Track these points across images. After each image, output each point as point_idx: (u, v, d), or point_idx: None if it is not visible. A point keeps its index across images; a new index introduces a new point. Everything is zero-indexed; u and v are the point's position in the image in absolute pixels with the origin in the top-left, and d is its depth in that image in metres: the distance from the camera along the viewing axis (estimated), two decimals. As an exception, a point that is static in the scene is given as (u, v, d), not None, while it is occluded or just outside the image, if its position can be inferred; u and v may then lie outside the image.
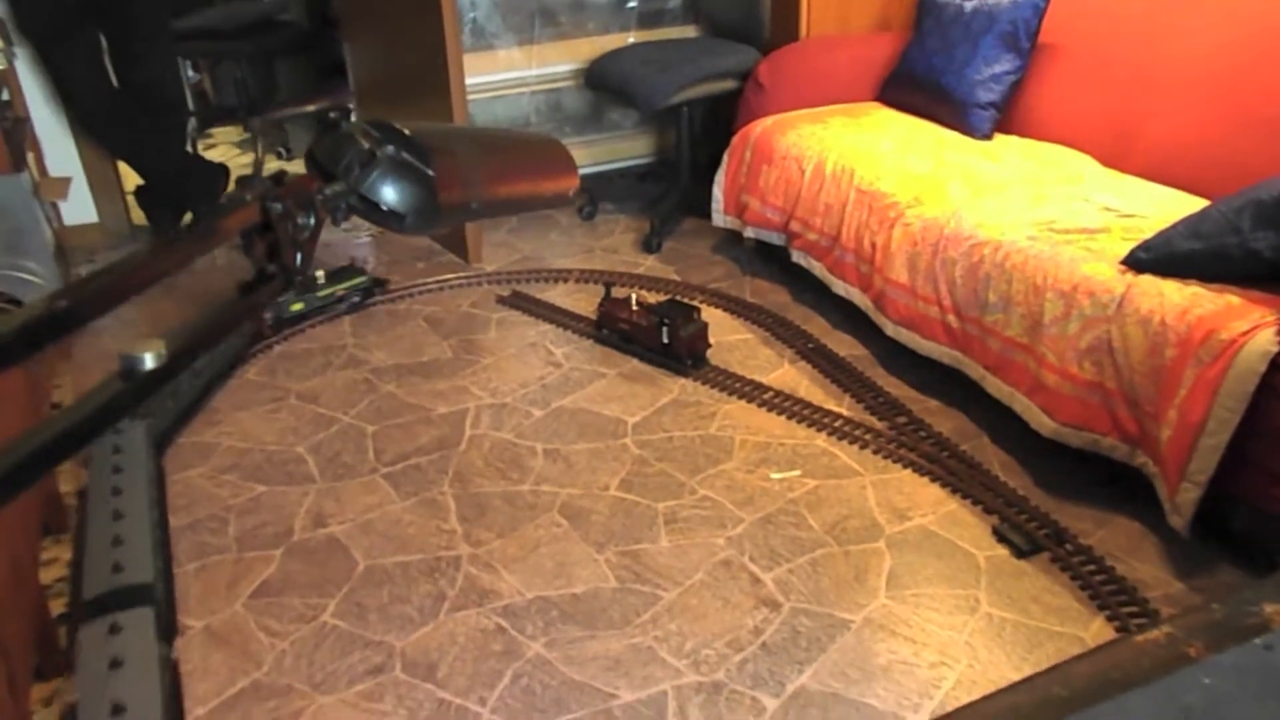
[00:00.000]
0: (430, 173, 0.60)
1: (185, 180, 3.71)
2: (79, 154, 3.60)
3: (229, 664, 1.91)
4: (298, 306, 3.35)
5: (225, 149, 5.17)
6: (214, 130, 5.26)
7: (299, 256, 0.55)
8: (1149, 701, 0.60)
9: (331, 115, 0.59)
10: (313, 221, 0.55)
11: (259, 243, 0.54)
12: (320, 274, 3.40)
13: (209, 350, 0.50)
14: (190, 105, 4.68)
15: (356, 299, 3.36)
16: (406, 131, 0.59)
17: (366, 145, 0.58)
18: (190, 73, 5.07)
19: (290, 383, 2.87)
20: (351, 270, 3.41)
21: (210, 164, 3.95)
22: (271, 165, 4.87)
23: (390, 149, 0.59)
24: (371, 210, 0.59)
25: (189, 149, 4.25)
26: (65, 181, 3.26)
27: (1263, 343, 1.79)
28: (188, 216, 3.80)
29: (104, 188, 3.68)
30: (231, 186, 3.87)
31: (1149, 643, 0.68)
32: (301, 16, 5.20)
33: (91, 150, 3.61)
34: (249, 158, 4.89)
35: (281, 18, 5.06)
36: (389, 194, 0.59)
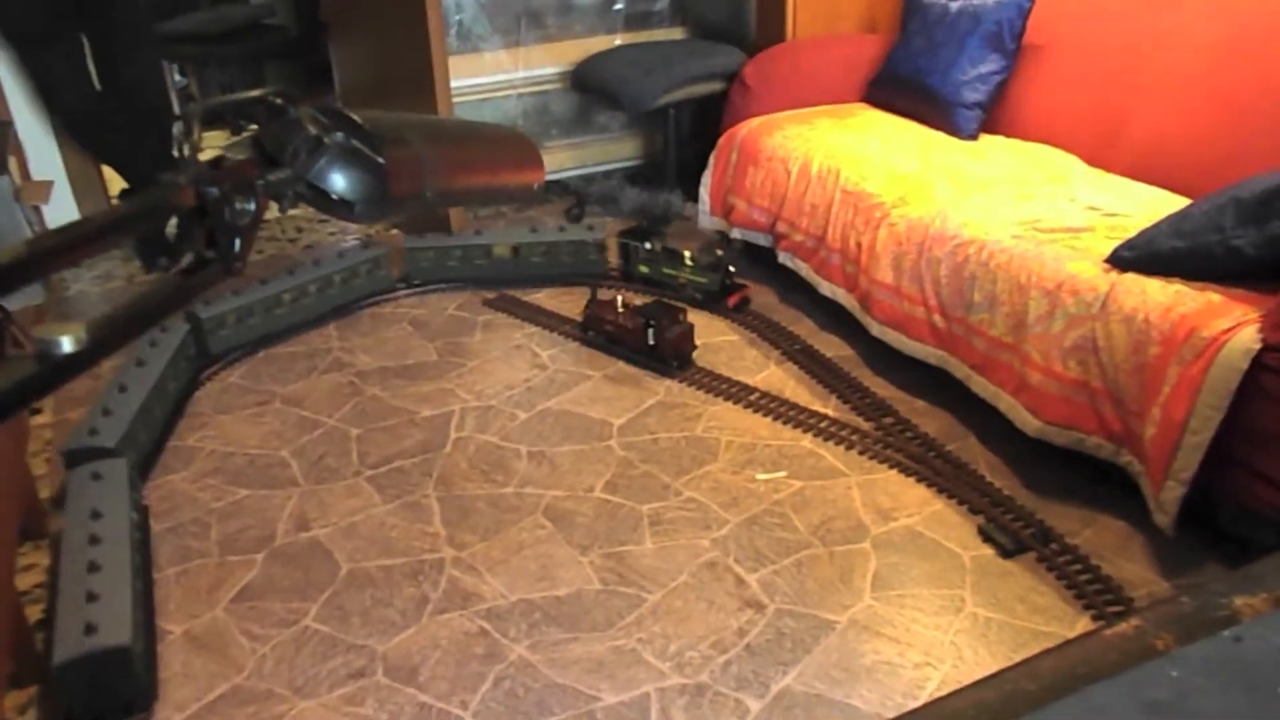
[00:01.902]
0: (381, 161, 0.59)
1: (170, 184, 3.69)
2: (62, 158, 3.58)
3: (209, 669, 1.89)
4: (644, 268, 3.24)
5: (213, 154, 5.15)
6: (201, 134, 5.24)
7: (238, 242, 0.54)
8: (1115, 694, 0.59)
9: (277, 101, 0.58)
10: (253, 207, 0.54)
11: (198, 228, 0.52)
12: (688, 253, 3.17)
13: (135, 337, 0.49)
14: (176, 109, 4.66)
15: (697, 296, 3.16)
16: (357, 119, 0.59)
17: (314, 131, 0.57)
18: (177, 76, 5.05)
19: (275, 386, 2.86)
20: (712, 268, 3.14)
21: (196, 167, 3.92)
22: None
23: (339, 136, 0.58)
24: (319, 198, 0.58)
25: (175, 153, 4.23)
26: (47, 185, 3.24)
27: (1244, 340, 1.79)
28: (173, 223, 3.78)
29: (87, 192, 3.66)
30: None
31: (1118, 636, 0.67)
32: (290, 20, 5.19)
33: (75, 154, 3.59)
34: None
35: (269, 21, 5.05)
36: (338, 181, 0.58)
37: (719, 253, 3.18)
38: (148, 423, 2.53)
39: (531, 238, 3.34)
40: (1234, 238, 1.90)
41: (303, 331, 3.15)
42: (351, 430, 2.63)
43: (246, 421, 2.69)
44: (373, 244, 3.43)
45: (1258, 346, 1.77)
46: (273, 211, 0.58)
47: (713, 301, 3.15)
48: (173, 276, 0.52)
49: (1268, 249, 1.88)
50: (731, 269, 3.15)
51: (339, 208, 0.59)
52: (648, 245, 3.24)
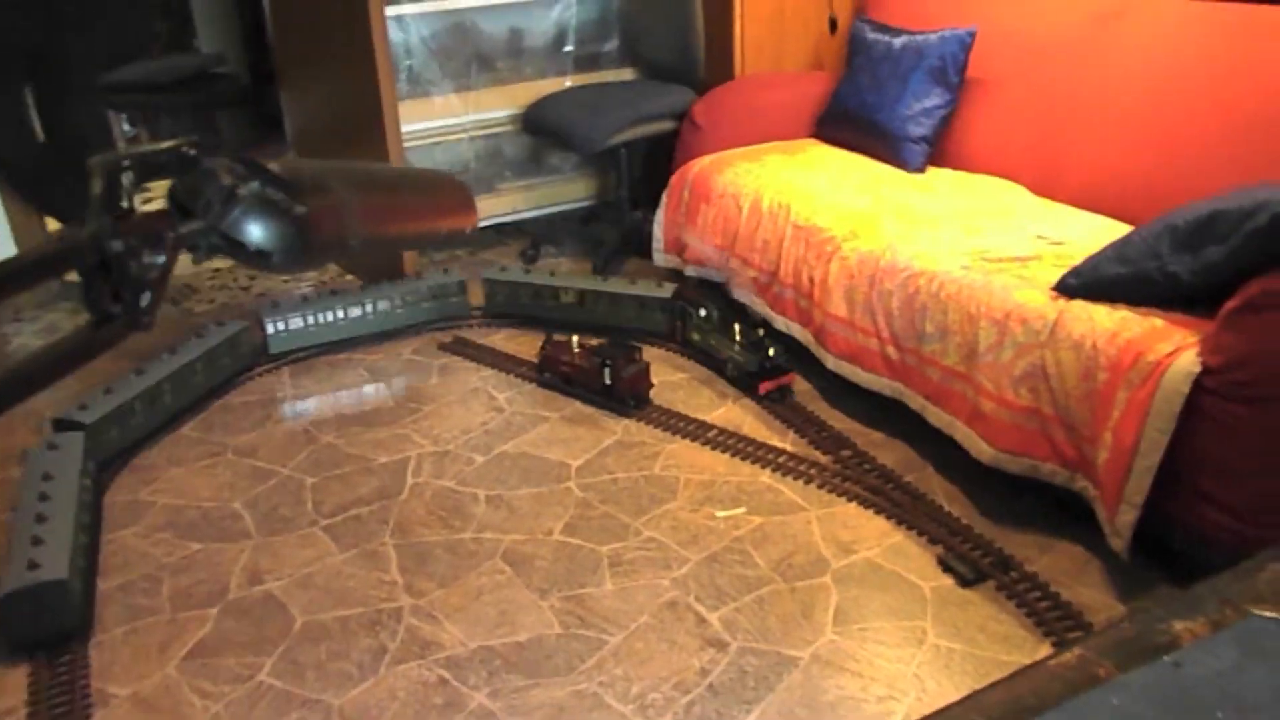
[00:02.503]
0: (299, 209, 0.58)
1: (118, 235, 3.65)
2: (3, 206, 3.52)
3: (159, 730, 1.84)
4: (696, 335, 3.06)
5: (163, 204, 5.09)
6: (151, 185, 5.19)
7: (146, 296, 0.53)
8: (1056, 726, 0.59)
9: (190, 152, 0.57)
10: (161, 260, 0.53)
11: (103, 282, 0.51)
12: (738, 327, 2.91)
13: (36, 392, 0.48)
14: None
15: (734, 374, 2.90)
16: (273, 167, 0.58)
17: (228, 181, 0.56)
18: (126, 126, 5.01)
19: (227, 437, 2.81)
20: (754, 347, 2.83)
21: (145, 218, 3.88)
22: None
23: (254, 185, 0.57)
24: (236, 249, 0.57)
25: (122, 204, 4.19)
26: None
27: (1185, 364, 1.81)
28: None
29: (30, 242, 3.61)
30: None
31: (1062, 666, 0.67)
32: (241, 69, 5.17)
33: (17, 204, 3.54)
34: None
35: (219, 70, 5.03)
36: (253, 232, 0.57)
37: (760, 332, 2.90)
38: (151, 408, 2.77)
39: (599, 286, 3.26)
40: (1171, 264, 1.94)
41: (369, 345, 3.31)
42: (306, 479, 2.59)
43: (198, 474, 2.64)
44: (450, 271, 3.52)
45: (1198, 369, 1.80)
46: (224, 261, 0.57)
47: (750, 382, 2.84)
48: (83, 330, 0.51)
49: (1202, 275, 1.92)
50: (771, 351, 2.81)
51: (256, 259, 0.58)
52: (702, 312, 3.05)
